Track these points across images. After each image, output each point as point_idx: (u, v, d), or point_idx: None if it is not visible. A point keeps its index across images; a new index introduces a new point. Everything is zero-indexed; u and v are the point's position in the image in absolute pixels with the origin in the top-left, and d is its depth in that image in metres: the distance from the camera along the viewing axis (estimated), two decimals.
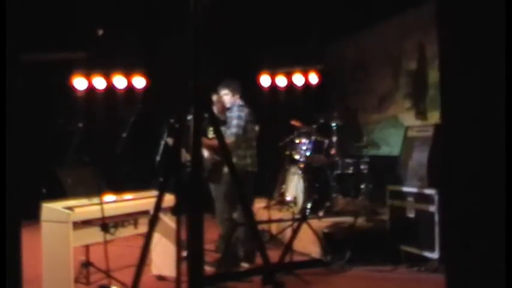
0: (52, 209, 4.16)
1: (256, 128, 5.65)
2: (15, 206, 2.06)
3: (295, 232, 5.15)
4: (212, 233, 5.63)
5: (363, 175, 6.62)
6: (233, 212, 5.28)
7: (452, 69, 2.09)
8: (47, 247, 4.16)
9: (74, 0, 7.87)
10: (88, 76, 8.81)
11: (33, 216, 4.36)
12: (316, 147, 6.89)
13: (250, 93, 8.49)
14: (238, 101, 5.39)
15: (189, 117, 2.23)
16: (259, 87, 9.10)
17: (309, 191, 6.51)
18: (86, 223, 4.22)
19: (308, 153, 6.86)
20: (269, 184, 7.71)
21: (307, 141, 6.92)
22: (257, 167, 5.40)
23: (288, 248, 5.07)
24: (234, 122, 5.16)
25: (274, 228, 6.62)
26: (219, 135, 2.49)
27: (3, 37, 2.03)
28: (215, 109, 5.49)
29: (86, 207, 4.30)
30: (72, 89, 8.74)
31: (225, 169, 5.15)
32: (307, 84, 9.05)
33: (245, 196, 3.40)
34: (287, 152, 7.22)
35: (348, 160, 6.84)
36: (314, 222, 5.58)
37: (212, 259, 5.24)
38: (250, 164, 5.28)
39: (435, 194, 5.06)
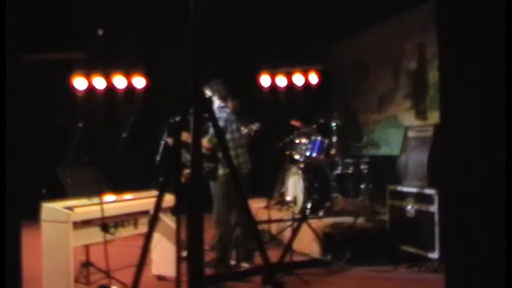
0: (52, 209, 4.16)
1: (255, 126, 5.63)
2: (15, 206, 2.06)
3: (295, 232, 5.15)
4: (211, 233, 5.62)
5: (363, 175, 6.62)
6: (230, 215, 5.26)
7: (452, 69, 2.09)
8: (47, 247, 4.16)
9: (74, 0, 7.87)
10: (88, 76, 8.81)
11: (33, 216, 4.35)
12: (316, 147, 6.89)
13: (250, 93, 8.55)
14: (218, 102, 5.36)
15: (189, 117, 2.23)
16: (259, 87, 9.10)
17: (309, 191, 6.51)
18: (86, 223, 4.22)
19: (308, 153, 6.86)
20: (269, 184, 7.71)
21: (307, 141, 6.93)
22: (248, 168, 5.39)
23: (288, 248, 5.07)
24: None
25: (274, 228, 6.62)
26: (219, 135, 2.49)
27: (3, 37, 2.03)
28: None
29: (86, 207, 4.30)
30: (72, 89, 8.74)
31: (221, 170, 5.15)
32: (307, 84, 9.05)
33: (244, 196, 3.40)
34: (287, 152, 7.22)
35: (348, 160, 6.84)
36: (314, 222, 5.59)
37: (207, 258, 5.22)
38: (238, 163, 5.26)
39: (435, 194, 5.06)
